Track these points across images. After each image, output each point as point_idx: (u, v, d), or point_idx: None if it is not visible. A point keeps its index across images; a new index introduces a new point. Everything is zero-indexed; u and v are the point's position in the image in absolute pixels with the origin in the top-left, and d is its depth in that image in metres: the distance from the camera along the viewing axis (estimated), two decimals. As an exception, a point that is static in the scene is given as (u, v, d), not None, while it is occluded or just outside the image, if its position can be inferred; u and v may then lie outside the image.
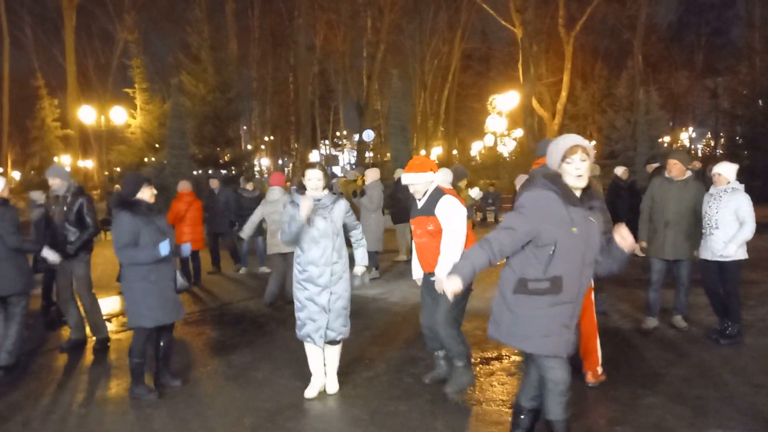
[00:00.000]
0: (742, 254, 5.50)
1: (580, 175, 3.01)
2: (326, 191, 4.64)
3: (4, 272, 5.39)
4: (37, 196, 6.43)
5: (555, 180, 3.05)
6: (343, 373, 5.08)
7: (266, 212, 8.18)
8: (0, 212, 5.37)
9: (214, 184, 11.29)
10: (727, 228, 5.45)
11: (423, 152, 38.37)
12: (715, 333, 5.75)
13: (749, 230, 5.40)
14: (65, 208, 5.98)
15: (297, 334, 4.71)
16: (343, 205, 4.70)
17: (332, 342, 4.68)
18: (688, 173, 5.91)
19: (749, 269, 8.91)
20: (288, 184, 12.34)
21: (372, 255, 9.62)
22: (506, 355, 5.52)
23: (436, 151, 42.09)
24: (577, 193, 3.06)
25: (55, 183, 6.07)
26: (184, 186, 9.96)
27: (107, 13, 28.35)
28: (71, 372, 5.63)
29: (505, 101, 37.68)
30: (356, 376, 5.10)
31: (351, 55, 35.52)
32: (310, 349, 4.72)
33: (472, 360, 5.34)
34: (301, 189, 4.64)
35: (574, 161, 3.00)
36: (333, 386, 4.78)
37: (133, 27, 27.03)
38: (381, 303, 8.02)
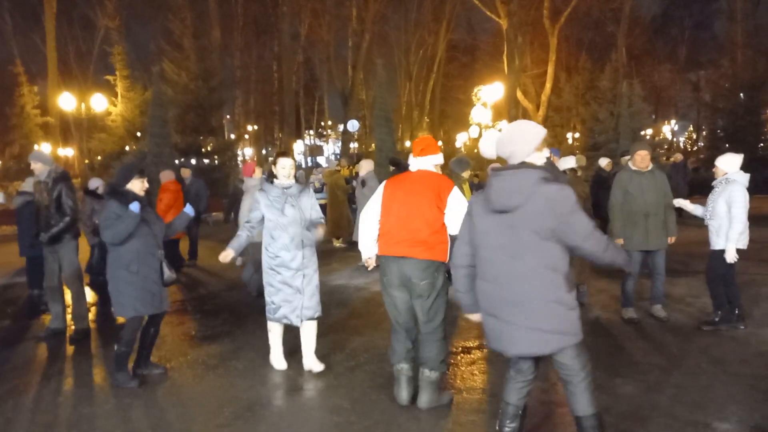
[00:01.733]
0: (739, 244, 5.55)
1: None
2: (295, 180, 4.87)
3: None
4: (28, 185, 6.33)
5: None
6: (325, 363, 5.08)
7: (249, 205, 8.09)
8: None
9: (186, 173, 11.12)
10: (719, 219, 5.57)
11: (408, 143, 38.31)
12: (714, 323, 5.79)
13: (738, 221, 5.46)
14: (46, 194, 5.92)
15: (270, 317, 4.90)
16: (310, 195, 4.93)
17: (310, 319, 4.88)
18: (650, 164, 6.07)
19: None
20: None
21: None
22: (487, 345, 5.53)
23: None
24: None
25: (37, 167, 6.02)
26: (168, 176, 9.92)
27: (88, -1, 27.95)
28: (50, 361, 5.57)
29: (490, 93, 37.69)
30: (338, 366, 5.09)
31: (336, 44, 35.32)
32: (274, 327, 5.01)
33: (453, 349, 5.37)
34: (271, 177, 4.87)
35: None
36: (316, 365, 4.96)
37: (114, 14, 26.62)
38: (364, 293, 8.02)
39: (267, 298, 4.91)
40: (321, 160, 46.35)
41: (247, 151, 44.72)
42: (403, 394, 4.17)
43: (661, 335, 5.63)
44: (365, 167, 9.80)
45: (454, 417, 4.04)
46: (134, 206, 4.58)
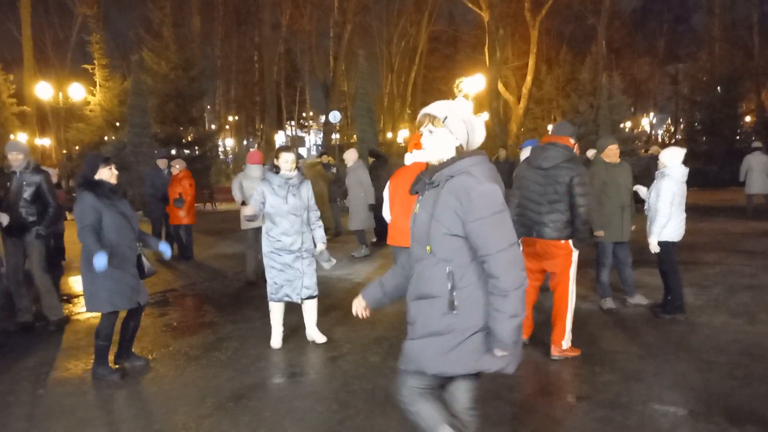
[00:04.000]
0: (667, 236, 5.76)
1: (424, 149, 2.62)
2: (296, 171, 5.28)
3: None
4: None
5: None
6: (307, 354, 5.11)
7: (246, 187, 7.92)
8: None
9: (163, 164, 11.00)
10: (653, 211, 5.82)
11: (390, 134, 38.32)
12: (657, 307, 6.09)
13: (661, 215, 5.69)
14: (23, 185, 5.83)
15: (272, 297, 5.32)
16: (308, 186, 5.40)
17: (309, 297, 5.33)
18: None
19: (705, 251, 9.21)
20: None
21: (360, 233, 9.80)
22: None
23: (403, 134, 42.06)
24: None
25: (18, 159, 5.92)
26: (181, 164, 10.25)
27: (65, -15, 27.48)
28: (31, 353, 5.50)
29: (471, 84, 37.77)
30: (320, 356, 5.12)
31: (317, 34, 35.13)
32: (276, 308, 5.42)
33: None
34: (275, 169, 5.24)
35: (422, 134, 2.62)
36: (319, 336, 5.49)
37: (91, 1, 26.16)
38: (346, 283, 8.04)
39: (269, 280, 5.31)
40: (302, 151, 46.17)
41: (228, 142, 44.39)
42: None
43: (638, 325, 5.73)
44: (351, 157, 9.79)
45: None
46: (99, 262, 4.32)
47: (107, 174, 4.71)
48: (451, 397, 2.72)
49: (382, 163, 11.00)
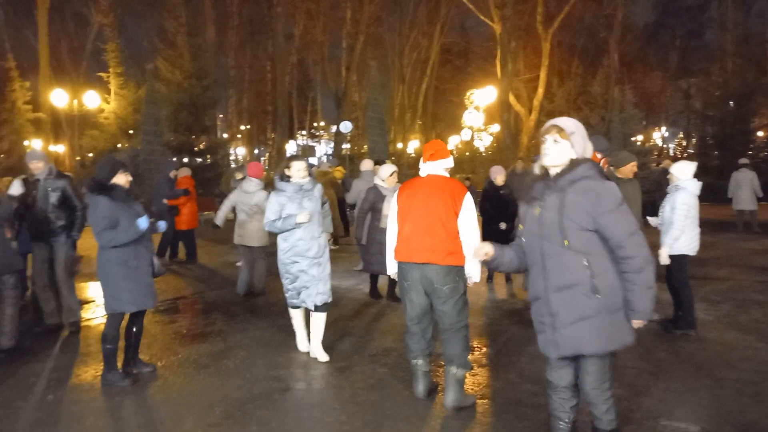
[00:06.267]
0: (682, 249, 5.76)
1: (545, 154, 3.00)
2: (309, 177, 5.32)
3: None
4: (16, 188, 6.29)
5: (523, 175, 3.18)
6: (315, 364, 5.12)
7: (238, 201, 7.95)
8: None
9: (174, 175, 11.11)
10: (668, 224, 5.80)
11: (400, 145, 38.38)
12: (668, 323, 6.03)
13: (675, 227, 5.68)
14: (48, 191, 5.94)
15: (290, 303, 5.37)
16: (320, 187, 5.46)
17: (321, 306, 5.27)
18: None
19: (716, 266, 9.14)
20: (264, 174, 12.10)
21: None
22: (477, 347, 5.57)
23: (414, 145, 42.07)
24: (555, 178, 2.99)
25: (39, 166, 6.08)
26: (185, 172, 10.73)
27: (82, -5, 27.82)
28: (41, 358, 5.54)
29: (482, 96, 37.82)
30: (329, 366, 5.11)
31: (330, 45, 35.33)
32: (296, 314, 5.49)
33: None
34: (285, 178, 5.24)
35: (545, 141, 3.00)
36: (322, 355, 5.28)
37: (108, 10, 26.49)
38: (355, 293, 8.04)
39: (286, 286, 5.34)
40: (313, 160, 46.31)
41: (239, 151, 44.61)
42: (420, 387, 4.32)
43: (649, 340, 5.69)
44: (365, 167, 9.67)
45: (444, 418, 4.06)
46: (143, 222, 4.62)
47: (123, 179, 4.75)
48: (581, 379, 3.09)
49: None
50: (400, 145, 38.61)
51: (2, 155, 25.56)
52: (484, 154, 39.45)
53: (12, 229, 6.01)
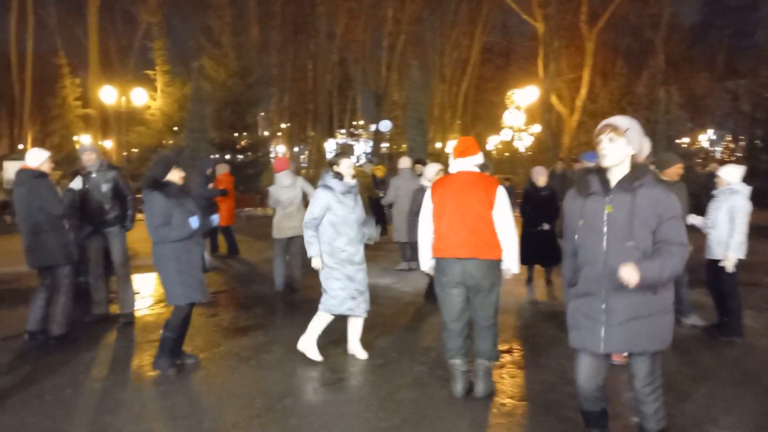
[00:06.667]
0: (737, 254, 5.59)
1: (603, 155, 3.02)
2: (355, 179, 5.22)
3: (47, 244, 5.53)
4: (77, 183, 6.53)
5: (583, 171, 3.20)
6: (354, 361, 5.17)
7: (275, 195, 7.95)
8: (39, 184, 5.52)
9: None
10: (720, 229, 5.63)
11: (439, 145, 38.28)
12: (713, 329, 5.88)
13: (738, 232, 5.52)
14: (100, 183, 6.14)
15: (332, 309, 5.09)
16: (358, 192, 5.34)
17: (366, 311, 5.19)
18: None
19: (764, 272, 8.87)
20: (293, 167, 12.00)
21: (403, 246, 9.49)
22: (516, 349, 5.55)
23: (453, 144, 41.80)
24: (613, 177, 3.03)
25: (92, 158, 6.28)
26: (223, 168, 10.81)
27: (130, -7, 28.54)
28: (91, 347, 5.72)
29: (523, 96, 37.41)
30: (367, 363, 5.15)
31: (371, 44, 35.40)
32: (326, 320, 5.19)
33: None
34: (338, 176, 5.09)
35: (601, 141, 3.03)
36: (361, 352, 5.28)
37: (155, 9, 27.13)
38: (393, 292, 8.07)
39: (331, 292, 5.07)
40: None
41: (279, 148, 45.10)
42: (458, 387, 4.34)
43: (693, 346, 5.58)
44: (402, 165, 9.69)
45: (482, 419, 4.07)
46: (195, 221, 4.74)
47: (177, 176, 4.88)
48: (632, 375, 3.17)
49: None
50: (439, 145, 38.52)
51: (53, 149, 26.46)
52: (523, 155, 39.06)
53: (73, 221, 6.23)
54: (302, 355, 5.33)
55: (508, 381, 4.75)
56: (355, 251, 5.08)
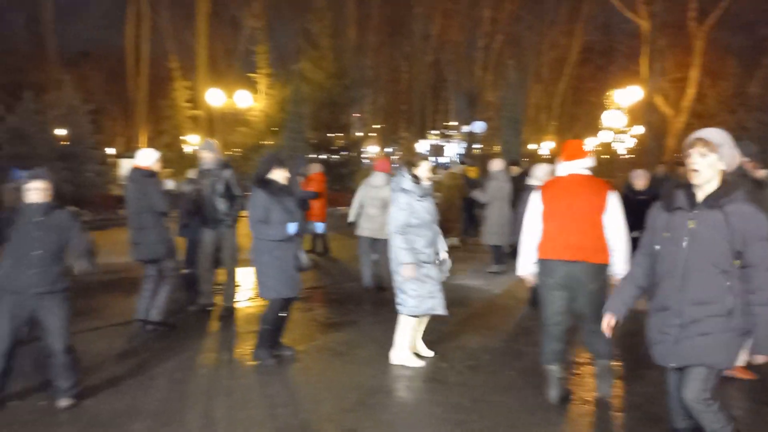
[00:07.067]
0: None
1: (694, 170, 2.94)
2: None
3: (151, 239, 5.91)
4: (193, 173, 7.01)
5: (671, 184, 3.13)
6: (447, 360, 5.19)
7: (367, 196, 8.05)
8: (149, 183, 5.91)
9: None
10: None
11: (533, 146, 37.48)
12: None
13: None
14: (216, 181, 6.48)
15: (414, 310, 5.02)
16: None
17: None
18: None
19: None
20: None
21: (495, 249, 9.38)
22: (616, 357, 5.38)
23: (548, 146, 40.87)
24: (701, 192, 2.96)
25: (207, 157, 6.61)
26: (316, 168, 10.94)
27: (237, 0, 29.86)
28: (198, 335, 6.08)
29: (625, 96, 35.94)
30: (459, 364, 5.17)
31: (466, 45, 35.19)
32: (413, 323, 5.12)
33: (576, 359, 5.26)
34: (416, 179, 5.07)
35: (691, 156, 2.95)
36: (425, 350, 5.35)
37: (259, 14, 28.29)
38: (484, 294, 8.02)
39: (410, 293, 5.02)
40: (443, 160, 46.34)
41: (372, 149, 45.71)
42: (553, 393, 4.29)
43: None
44: (496, 167, 9.56)
45: (574, 426, 4.00)
46: (291, 228, 4.92)
47: (279, 175, 5.09)
48: (684, 387, 3.05)
49: (526, 175, 10.79)
50: (533, 146, 37.72)
51: (164, 148, 28.12)
52: (623, 158, 37.53)
53: (190, 218, 6.65)
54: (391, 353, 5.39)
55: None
56: (432, 252, 5.13)
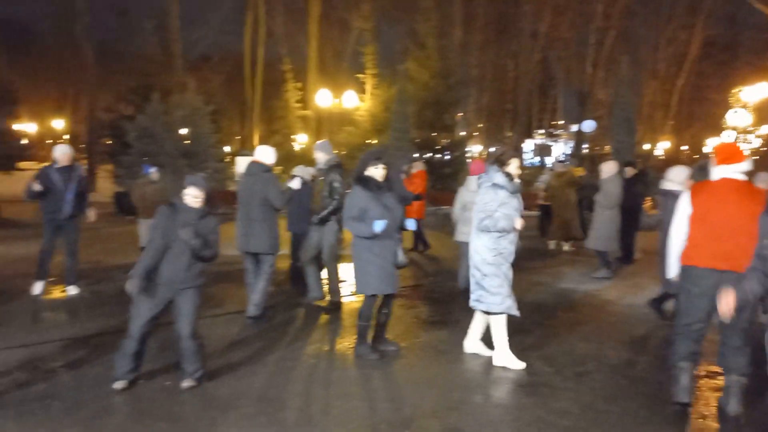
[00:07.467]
0: None
1: None
2: None
3: (259, 232, 6.19)
4: (298, 170, 7.30)
5: None
6: (552, 364, 5.11)
7: (467, 201, 7.70)
8: (268, 178, 6.21)
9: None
10: None
11: (647, 146, 35.68)
12: None
13: None
14: (326, 179, 6.72)
15: (498, 308, 5.02)
16: None
17: None
18: None
19: None
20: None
21: (602, 254, 9.04)
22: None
23: (663, 146, 38.75)
24: None
25: (318, 156, 6.85)
26: (419, 167, 11.24)
27: (346, 2, 30.60)
28: (306, 327, 6.33)
29: (752, 94, 33.43)
30: (566, 370, 5.05)
31: (576, 41, 34.06)
32: (504, 321, 5.10)
33: (698, 372, 4.99)
34: (509, 177, 5.02)
35: None
36: (486, 350, 5.34)
37: (368, 16, 28.85)
38: (593, 299, 7.76)
39: (492, 289, 5.04)
40: (549, 160, 45.15)
41: (475, 148, 45.29)
42: (679, 390, 4.16)
43: None
44: (608, 170, 9.07)
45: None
46: (379, 226, 4.94)
47: (377, 173, 5.18)
48: None
49: (641, 173, 10.30)
50: (647, 146, 35.90)
51: (276, 147, 29.33)
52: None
53: (299, 214, 6.94)
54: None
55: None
56: (513, 249, 5.10)
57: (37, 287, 7.31)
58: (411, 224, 5.52)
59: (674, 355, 4.19)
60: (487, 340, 5.45)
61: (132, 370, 4.44)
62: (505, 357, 5.09)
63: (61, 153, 7.17)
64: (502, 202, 4.94)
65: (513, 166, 5.04)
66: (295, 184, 6.55)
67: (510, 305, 5.05)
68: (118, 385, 4.39)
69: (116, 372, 4.42)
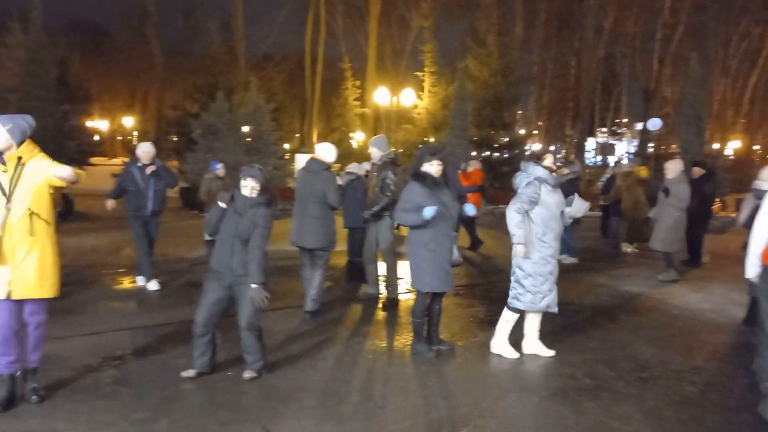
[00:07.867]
0: None
1: None
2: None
3: (315, 229, 6.25)
4: (352, 166, 7.38)
5: None
6: (614, 368, 4.99)
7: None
8: (327, 176, 6.29)
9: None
10: None
11: (716, 146, 34.22)
12: None
13: None
14: (375, 176, 6.77)
15: (530, 306, 5.10)
16: None
17: None
18: None
19: None
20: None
21: (667, 255, 8.78)
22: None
23: (733, 145, 37.09)
24: None
25: (372, 152, 6.89)
26: (476, 164, 11.29)
27: (406, 0, 30.69)
28: (364, 323, 6.39)
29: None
30: (629, 375, 4.92)
31: (642, 37, 33.02)
32: (534, 318, 5.27)
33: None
34: (547, 169, 5.12)
35: None
36: (546, 351, 5.31)
37: (428, 14, 28.84)
38: (656, 303, 7.53)
39: (532, 288, 5.07)
40: (611, 159, 43.93)
41: (535, 146, 44.48)
42: None
43: None
44: (674, 169, 8.71)
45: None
46: (428, 212, 4.89)
47: (432, 168, 5.15)
48: None
49: (709, 174, 9.90)
50: (716, 146, 34.45)
51: (334, 144, 29.70)
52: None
53: (355, 210, 7.01)
54: (554, 356, 5.27)
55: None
56: (557, 246, 5.13)
57: (152, 284, 7.44)
58: (471, 209, 5.49)
59: (761, 372, 3.99)
60: (545, 340, 5.39)
61: (203, 359, 4.56)
62: (501, 345, 5.29)
63: (143, 151, 7.32)
64: (544, 195, 5.01)
65: (548, 161, 5.17)
66: (341, 180, 6.60)
67: (548, 303, 5.11)
68: (187, 373, 4.54)
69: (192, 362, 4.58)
